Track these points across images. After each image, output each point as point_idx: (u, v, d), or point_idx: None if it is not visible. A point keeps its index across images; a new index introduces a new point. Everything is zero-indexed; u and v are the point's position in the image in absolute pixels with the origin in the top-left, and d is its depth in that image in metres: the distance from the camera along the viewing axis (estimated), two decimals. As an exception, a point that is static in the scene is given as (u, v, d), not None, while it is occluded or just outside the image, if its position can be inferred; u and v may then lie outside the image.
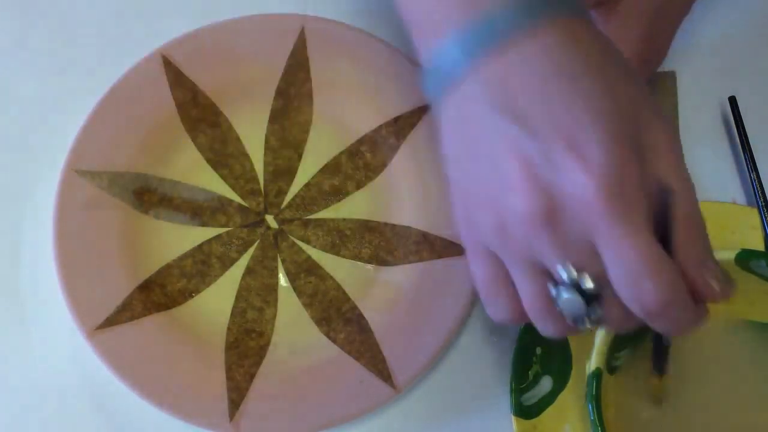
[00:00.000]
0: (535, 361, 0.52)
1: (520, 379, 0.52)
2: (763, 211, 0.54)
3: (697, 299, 0.41)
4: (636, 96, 0.41)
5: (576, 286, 0.40)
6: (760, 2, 0.60)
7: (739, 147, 0.56)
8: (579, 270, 0.40)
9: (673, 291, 0.39)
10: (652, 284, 0.39)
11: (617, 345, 0.49)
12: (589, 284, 0.40)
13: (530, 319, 0.42)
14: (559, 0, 0.41)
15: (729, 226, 0.54)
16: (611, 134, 0.39)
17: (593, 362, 0.47)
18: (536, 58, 0.40)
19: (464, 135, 0.42)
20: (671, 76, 0.59)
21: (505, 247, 0.41)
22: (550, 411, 0.52)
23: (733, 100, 0.56)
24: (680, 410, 0.51)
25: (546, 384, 0.52)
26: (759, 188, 0.55)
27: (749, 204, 0.56)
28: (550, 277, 0.41)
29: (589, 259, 0.40)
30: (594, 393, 0.47)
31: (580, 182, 0.38)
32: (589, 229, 0.39)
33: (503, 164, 0.40)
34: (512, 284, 0.42)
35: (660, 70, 0.59)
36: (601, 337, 0.48)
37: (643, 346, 0.49)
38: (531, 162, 0.39)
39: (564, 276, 0.40)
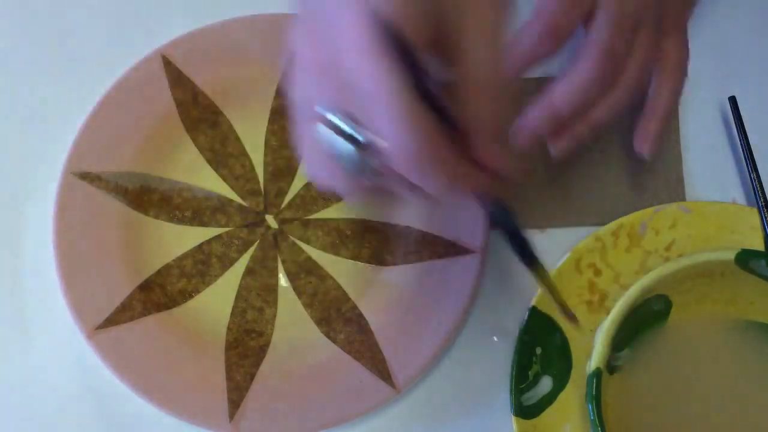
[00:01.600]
0: (535, 361, 0.52)
1: (520, 379, 0.52)
2: (763, 211, 0.54)
3: (482, 166, 0.41)
4: None
5: (351, 138, 0.40)
6: (760, 2, 0.60)
7: (739, 147, 0.56)
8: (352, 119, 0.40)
9: (420, 140, 0.38)
10: (396, 128, 0.38)
11: (617, 345, 0.49)
12: (359, 135, 0.40)
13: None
14: None
15: (729, 226, 0.54)
16: None
17: (593, 362, 0.47)
18: None
19: None
20: (671, 76, 0.58)
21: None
22: (550, 411, 0.52)
23: (733, 100, 0.56)
24: (680, 410, 0.51)
25: (546, 384, 0.52)
26: (759, 188, 0.55)
27: (749, 204, 0.56)
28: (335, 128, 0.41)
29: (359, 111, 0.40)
30: (594, 393, 0.47)
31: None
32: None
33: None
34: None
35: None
36: (601, 337, 0.48)
37: (644, 347, 0.49)
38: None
39: (339, 123, 0.40)
